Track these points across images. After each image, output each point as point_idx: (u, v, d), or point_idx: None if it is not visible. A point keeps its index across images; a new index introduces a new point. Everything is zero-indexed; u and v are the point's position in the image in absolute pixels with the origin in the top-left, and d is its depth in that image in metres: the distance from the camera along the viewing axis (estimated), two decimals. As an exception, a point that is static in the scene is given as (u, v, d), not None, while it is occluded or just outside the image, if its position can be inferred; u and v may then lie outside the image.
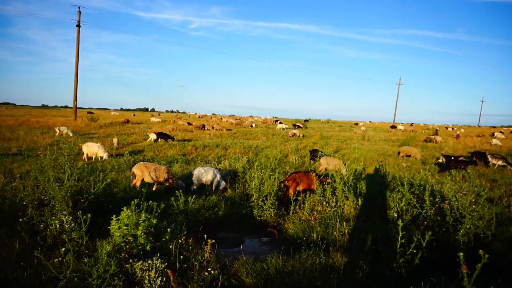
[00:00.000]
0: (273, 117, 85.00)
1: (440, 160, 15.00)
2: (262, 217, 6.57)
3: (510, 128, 68.21)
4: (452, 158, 14.38)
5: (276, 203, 6.63)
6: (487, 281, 3.68)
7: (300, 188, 7.46)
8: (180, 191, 6.27)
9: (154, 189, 8.26)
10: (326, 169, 11.36)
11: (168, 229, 3.87)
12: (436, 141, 25.91)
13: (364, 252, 4.53)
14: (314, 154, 14.58)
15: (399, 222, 3.67)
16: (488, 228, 5.16)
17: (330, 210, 6.16)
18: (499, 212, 6.79)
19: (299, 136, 26.44)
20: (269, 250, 4.67)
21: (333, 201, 6.34)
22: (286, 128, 35.38)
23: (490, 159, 14.94)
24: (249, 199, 7.15)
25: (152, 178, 8.22)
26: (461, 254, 2.30)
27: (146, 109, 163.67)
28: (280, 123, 42.23)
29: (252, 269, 3.84)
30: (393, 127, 46.57)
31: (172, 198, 5.99)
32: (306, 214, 6.13)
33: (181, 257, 3.68)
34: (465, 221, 4.75)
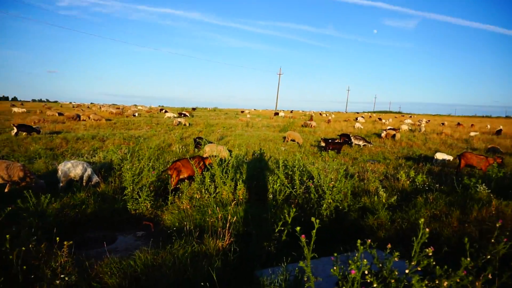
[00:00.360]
0: (159, 106, 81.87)
1: (322, 144, 16.35)
2: (137, 210, 6.14)
3: (369, 113, 79.64)
4: (330, 140, 16.19)
5: (152, 194, 6.21)
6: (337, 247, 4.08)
7: (184, 175, 7.21)
8: (30, 191, 5.33)
9: (6, 190, 6.95)
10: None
11: (7, 236, 3.19)
12: (311, 125, 28.60)
13: (238, 235, 4.56)
14: (199, 142, 14.42)
15: (270, 202, 3.74)
16: (346, 201, 5.73)
17: (209, 197, 6.04)
18: (356, 186, 7.58)
19: (185, 125, 25.98)
20: (144, 245, 4.37)
21: (212, 188, 6.22)
22: (174, 117, 34.22)
23: (353, 140, 17.18)
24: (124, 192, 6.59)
25: (3, 178, 6.89)
26: (298, 228, 2.43)
27: (6, 98, 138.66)
28: (166, 112, 40.72)
29: (118, 268, 3.48)
30: (276, 114, 49.79)
31: (18, 200, 5.06)
32: (185, 202, 5.92)
33: (24, 267, 3.07)
34: (326, 196, 5.16)
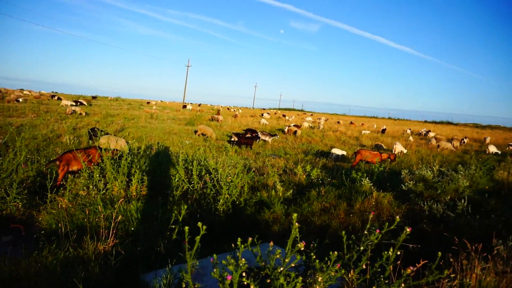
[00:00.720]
0: (52, 92, 72.71)
1: (232, 139, 16.30)
2: (5, 211, 5.17)
3: (274, 110, 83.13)
4: (241, 135, 16.20)
5: (26, 191, 5.34)
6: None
7: (74, 168, 6.37)
8: None
9: None
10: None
11: None
12: (218, 120, 28.41)
13: (128, 235, 4.15)
14: (94, 133, 13.08)
15: (159, 199, 3.46)
16: (243, 195, 5.72)
17: (97, 194, 5.42)
18: (256, 180, 7.65)
19: (80, 114, 23.47)
20: (13, 252, 3.62)
21: (102, 184, 5.61)
22: (69, 105, 30.66)
23: (260, 135, 17.50)
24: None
25: None
26: (186, 228, 2.24)
27: None
28: (59, 99, 36.42)
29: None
30: (184, 106, 48.47)
31: None
32: (66, 201, 5.20)
33: None
34: (222, 191, 5.04)
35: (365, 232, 2.61)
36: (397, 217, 2.65)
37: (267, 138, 19.04)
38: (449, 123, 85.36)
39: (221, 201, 5.61)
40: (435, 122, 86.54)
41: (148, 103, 65.13)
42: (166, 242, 4.09)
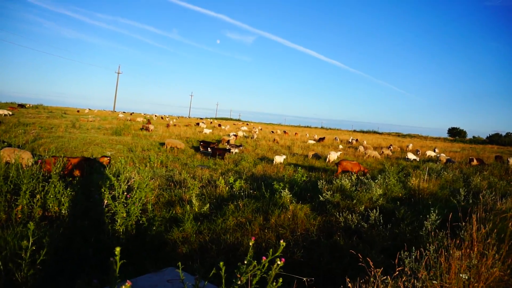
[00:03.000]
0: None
1: (201, 149, 18.15)
2: None
3: (211, 119, 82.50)
4: (203, 144, 18.76)
5: None
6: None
7: None
8: None
9: None
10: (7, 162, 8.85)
11: None
12: (149, 129, 27.01)
13: None
14: (-4, 145, 11.51)
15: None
16: (153, 212, 5.13)
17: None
18: (174, 194, 7.10)
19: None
20: None
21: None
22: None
23: (229, 147, 17.41)
24: None
25: None
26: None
27: None
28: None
29: None
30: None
31: None
32: None
33: None
34: (117, 209, 4.37)
35: (245, 261, 2.21)
36: (282, 241, 2.28)
37: (236, 150, 19.22)
38: (375, 132, 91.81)
39: (118, 221, 4.92)
40: (363, 131, 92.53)
41: (78, 111, 60.49)
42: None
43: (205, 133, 31.93)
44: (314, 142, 32.15)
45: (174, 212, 6.44)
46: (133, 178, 6.93)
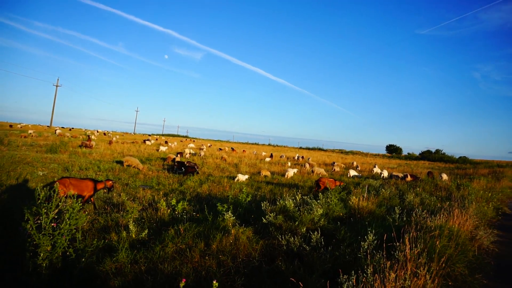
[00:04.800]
0: None
1: (175, 166, 18.33)
2: None
3: (157, 136, 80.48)
4: (187, 165, 17.89)
5: None
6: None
7: None
8: None
9: None
10: None
11: None
12: (90, 146, 25.51)
13: None
14: None
15: None
16: (83, 243, 4.67)
17: None
18: (109, 219, 6.62)
19: None
20: None
21: None
22: None
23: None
24: None
25: None
26: None
27: None
28: None
29: None
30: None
31: None
32: None
33: None
34: (41, 242, 3.91)
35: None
36: (214, 282, 2.14)
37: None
38: (320, 149, 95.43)
39: (41, 254, 4.41)
40: (308, 148, 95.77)
41: (10, 126, 55.42)
42: None
43: (162, 150, 31.83)
44: (270, 159, 32.77)
45: (108, 239, 5.96)
46: (63, 202, 6.34)
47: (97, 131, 74.22)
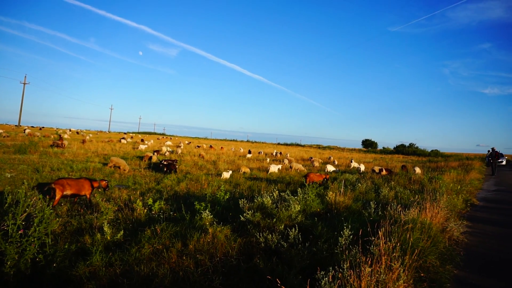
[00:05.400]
0: None
1: (161, 165, 18.21)
2: None
3: (132, 134, 79.05)
4: (166, 162, 18.13)
5: None
6: None
7: None
8: None
9: None
10: None
11: None
12: (62, 145, 24.72)
13: None
14: None
15: None
16: (55, 247, 4.50)
17: None
18: (83, 221, 6.45)
19: None
20: None
21: None
22: None
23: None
24: None
25: None
26: None
27: None
28: None
29: None
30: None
31: None
32: None
33: None
34: (6, 250, 3.77)
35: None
36: None
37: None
38: (297, 144, 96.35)
39: (8, 263, 4.22)
40: (286, 144, 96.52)
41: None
42: None
43: (141, 148, 32.03)
44: (250, 155, 33.02)
45: (82, 242, 5.79)
46: (33, 205, 6.09)
47: (70, 130, 71.97)
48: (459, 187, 12.79)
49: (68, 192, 8.88)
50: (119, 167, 17.66)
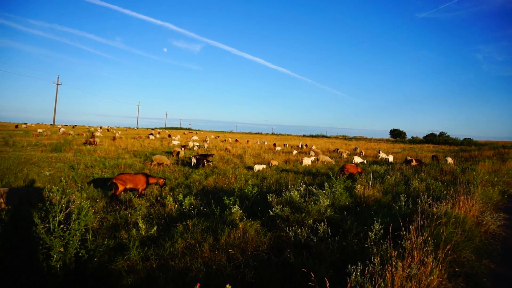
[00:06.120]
0: None
1: (192, 162, 18.65)
2: None
3: (159, 130, 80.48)
4: (199, 157, 18.80)
5: None
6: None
7: None
8: None
9: None
10: None
11: None
12: (95, 143, 25.71)
13: None
14: None
15: None
16: (95, 243, 4.76)
17: None
18: (118, 217, 6.72)
19: None
20: None
21: None
22: None
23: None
24: None
25: None
26: None
27: None
28: None
29: None
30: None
31: None
32: None
33: None
34: (53, 244, 4.02)
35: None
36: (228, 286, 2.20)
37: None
38: (323, 136, 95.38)
39: (55, 257, 4.51)
40: (312, 136, 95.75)
41: (16, 126, 55.87)
42: None
43: (174, 144, 32.92)
44: (280, 148, 33.89)
45: (119, 238, 6.06)
46: (72, 202, 6.42)
47: (101, 127, 74.51)
48: (495, 178, 12.30)
49: (127, 186, 9.97)
50: (162, 164, 18.36)
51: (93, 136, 32.06)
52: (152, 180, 10.85)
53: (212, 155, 21.39)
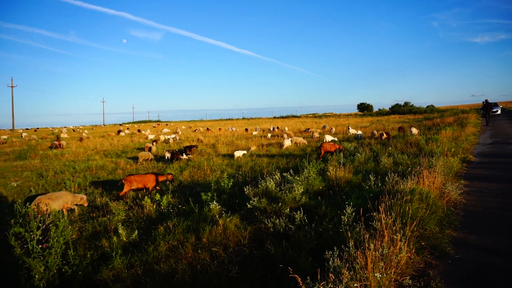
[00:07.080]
0: None
1: (166, 156, 18.50)
2: None
3: (128, 125, 78.43)
4: (174, 153, 18.34)
5: None
6: None
7: None
8: None
9: None
10: None
11: None
12: (61, 146, 24.83)
13: None
14: None
15: None
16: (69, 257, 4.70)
17: None
18: (97, 224, 6.61)
19: None
20: None
21: None
22: None
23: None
24: None
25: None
26: None
27: None
28: None
29: None
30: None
31: None
32: None
33: None
34: (32, 265, 3.97)
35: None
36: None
37: (184, 156, 19.04)
38: (293, 116, 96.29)
39: (37, 276, 4.50)
40: (282, 117, 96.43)
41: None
42: None
43: (150, 138, 33.50)
44: (256, 132, 34.69)
45: (100, 247, 6.06)
46: (48, 215, 6.30)
47: (65, 128, 71.63)
48: (453, 148, 12.99)
49: (133, 186, 10.57)
50: (147, 160, 18.59)
51: (58, 138, 30.85)
52: (161, 178, 11.37)
53: (196, 146, 21.42)
